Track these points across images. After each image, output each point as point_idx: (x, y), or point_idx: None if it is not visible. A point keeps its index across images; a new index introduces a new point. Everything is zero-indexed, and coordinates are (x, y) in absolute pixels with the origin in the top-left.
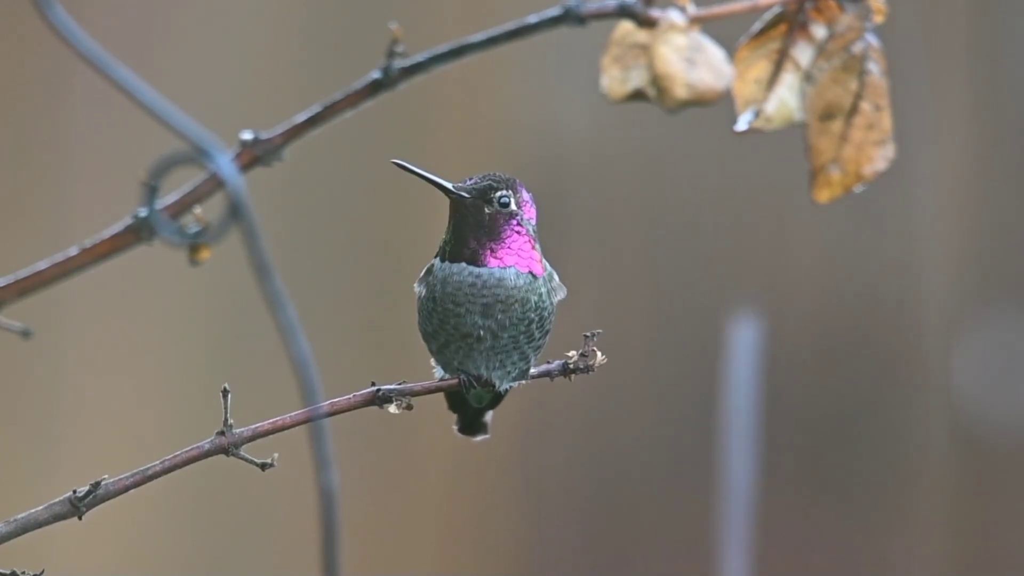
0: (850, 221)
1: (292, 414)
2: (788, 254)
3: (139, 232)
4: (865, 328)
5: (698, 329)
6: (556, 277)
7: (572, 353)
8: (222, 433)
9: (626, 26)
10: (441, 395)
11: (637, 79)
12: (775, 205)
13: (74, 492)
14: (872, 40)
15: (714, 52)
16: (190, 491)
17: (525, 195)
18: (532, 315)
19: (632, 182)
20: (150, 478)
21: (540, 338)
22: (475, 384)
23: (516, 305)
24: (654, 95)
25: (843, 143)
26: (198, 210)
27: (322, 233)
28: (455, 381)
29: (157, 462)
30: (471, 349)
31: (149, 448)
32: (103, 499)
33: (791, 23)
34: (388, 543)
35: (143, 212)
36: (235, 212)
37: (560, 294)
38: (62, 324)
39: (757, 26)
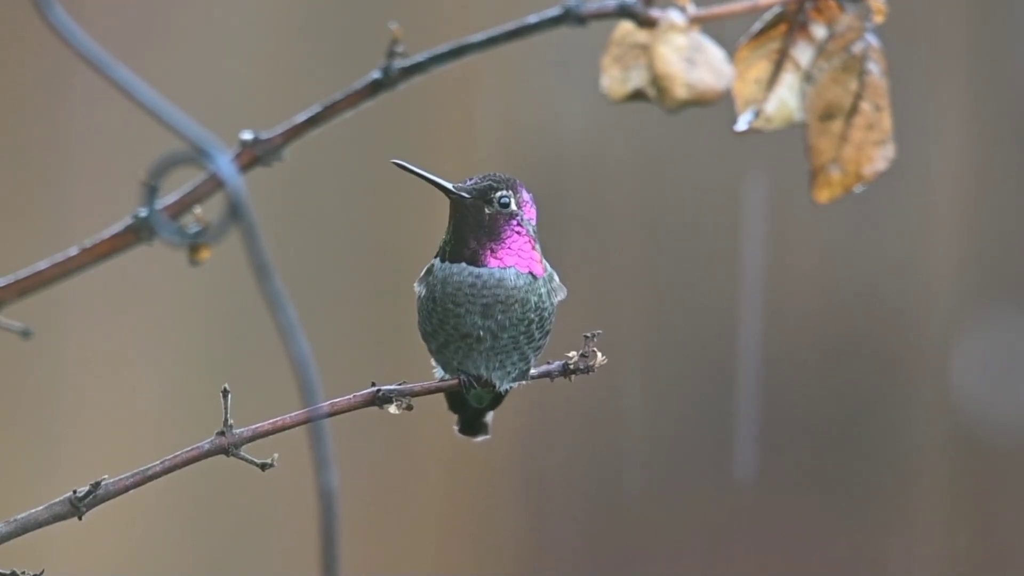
0: (850, 221)
1: (292, 414)
2: (788, 254)
3: (139, 232)
4: (865, 328)
5: (698, 329)
6: (556, 278)
7: (572, 354)
8: (222, 433)
9: (626, 26)
10: (441, 395)
11: (637, 79)
12: (775, 205)
13: (74, 492)
14: (872, 40)
15: (714, 52)
16: (190, 491)
17: (525, 195)
18: (532, 316)
19: (632, 182)
20: (150, 478)
21: (540, 339)
22: (475, 384)
23: (516, 305)
24: (654, 95)
25: (843, 143)
26: (198, 210)
27: (322, 233)
28: (455, 381)
29: (157, 462)
30: (471, 349)
31: (149, 448)
32: (103, 499)
33: (791, 23)
34: (388, 543)
35: (143, 212)
36: (235, 212)
37: (560, 295)
38: (62, 324)
39: (757, 26)
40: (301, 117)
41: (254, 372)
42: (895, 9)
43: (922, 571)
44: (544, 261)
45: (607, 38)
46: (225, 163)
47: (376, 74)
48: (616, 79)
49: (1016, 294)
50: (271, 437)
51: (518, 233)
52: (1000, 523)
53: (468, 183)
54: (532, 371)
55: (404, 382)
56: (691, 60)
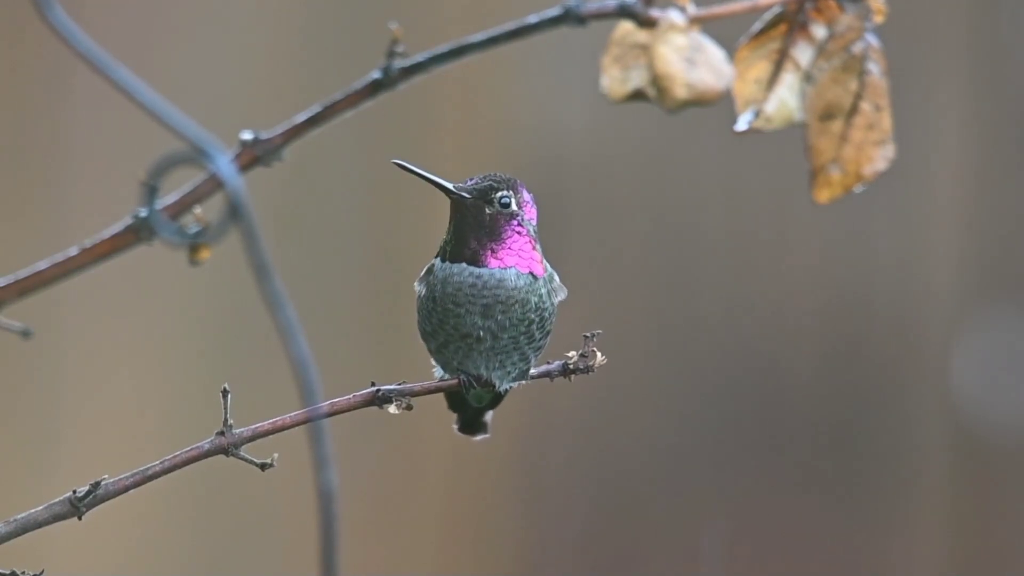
0: (850, 221)
1: (292, 414)
2: (788, 254)
3: (139, 232)
4: (865, 328)
5: (698, 329)
6: (556, 278)
7: (572, 353)
8: (222, 433)
9: (626, 26)
10: (441, 395)
11: (637, 79)
12: (775, 205)
13: (74, 492)
14: (872, 40)
15: (714, 52)
16: (190, 491)
17: (526, 195)
18: (532, 316)
19: (632, 182)
20: (150, 478)
21: (540, 339)
22: (475, 384)
23: (516, 306)
24: (654, 95)
25: (843, 143)
26: (198, 210)
27: (322, 233)
28: (455, 381)
29: (157, 462)
30: (471, 349)
31: (149, 448)
32: (103, 499)
33: (791, 23)
34: (388, 543)
35: (143, 212)
36: (235, 212)
37: (560, 295)
38: (62, 324)
39: (757, 26)
40: (301, 117)
41: (254, 372)
42: (895, 9)
43: (922, 571)
44: (544, 261)
45: (607, 38)
46: (225, 163)
47: (376, 74)
48: (616, 79)
49: (1016, 294)
50: (271, 437)
51: (519, 233)
52: (1000, 523)
53: (468, 183)
54: (532, 371)
55: (404, 382)
56: (691, 60)
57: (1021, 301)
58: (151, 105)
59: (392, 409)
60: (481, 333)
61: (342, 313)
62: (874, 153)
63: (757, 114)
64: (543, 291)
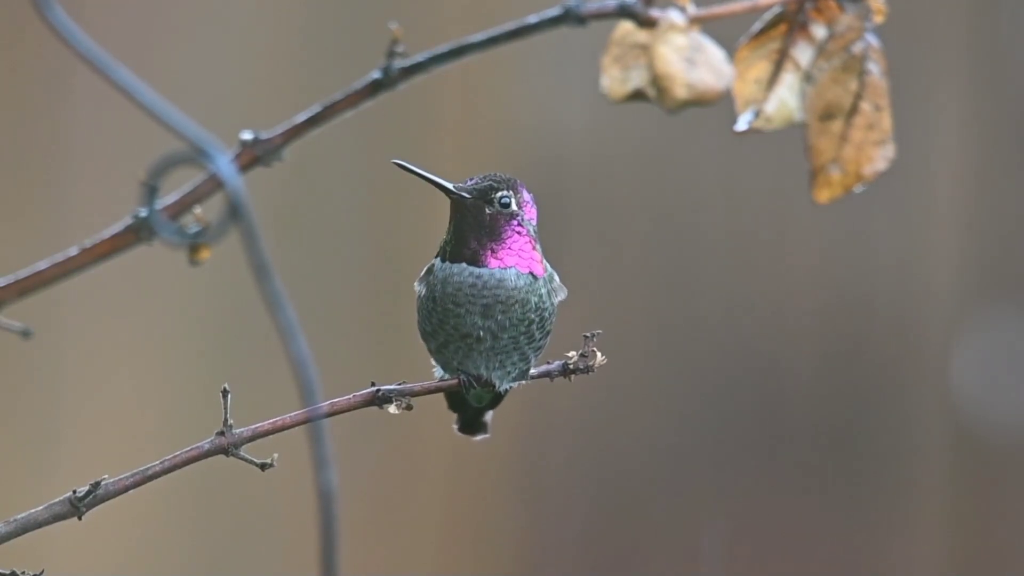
0: (850, 221)
1: (292, 414)
2: (788, 254)
3: (139, 232)
4: (865, 328)
5: (698, 329)
6: (556, 278)
7: (572, 353)
8: (222, 433)
9: (626, 26)
10: (441, 395)
11: (637, 79)
12: (775, 205)
13: (74, 492)
14: (872, 40)
15: (714, 52)
16: (190, 491)
17: (526, 195)
18: (532, 316)
19: (632, 182)
20: (150, 478)
21: (540, 339)
22: (475, 384)
23: (516, 306)
24: (654, 95)
25: (843, 143)
26: (198, 210)
27: (322, 233)
28: (455, 381)
29: (157, 462)
30: (471, 349)
31: (149, 448)
32: (103, 499)
33: (791, 23)
34: (388, 543)
35: (143, 212)
36: (235, 212)
37: (560, 295)
38: (62, 324)
39: (757, 26)
40: (301, 117)
41: (254, 372)
42: (895, 9)
43: (922, 571)
44: (544, 261)
45: (607, 38)
46: (225, 163)
47: (376, 74)
48: (616, 79)
49: (1016, 294)
50: (271, 437)
51: (519, 233)
52: (1000, 523)
53: (469, 183)
54: (532, 371)
55: (404, 382)
56: (691, 60)
57: (1021, 301)
58: (151, 105)
59: (392, 409)
60: (481, 333)
61: (342, 313)
62: (874, 153)
63: (757, 114)
64: (543, 291)
